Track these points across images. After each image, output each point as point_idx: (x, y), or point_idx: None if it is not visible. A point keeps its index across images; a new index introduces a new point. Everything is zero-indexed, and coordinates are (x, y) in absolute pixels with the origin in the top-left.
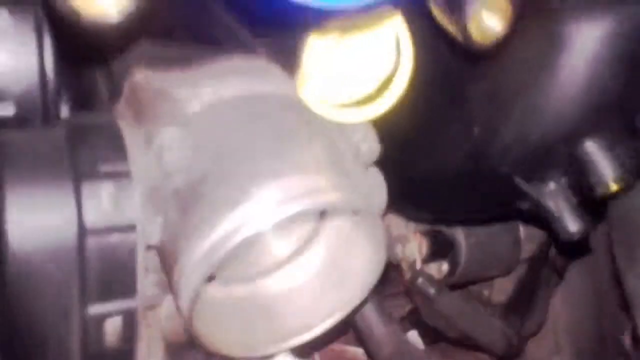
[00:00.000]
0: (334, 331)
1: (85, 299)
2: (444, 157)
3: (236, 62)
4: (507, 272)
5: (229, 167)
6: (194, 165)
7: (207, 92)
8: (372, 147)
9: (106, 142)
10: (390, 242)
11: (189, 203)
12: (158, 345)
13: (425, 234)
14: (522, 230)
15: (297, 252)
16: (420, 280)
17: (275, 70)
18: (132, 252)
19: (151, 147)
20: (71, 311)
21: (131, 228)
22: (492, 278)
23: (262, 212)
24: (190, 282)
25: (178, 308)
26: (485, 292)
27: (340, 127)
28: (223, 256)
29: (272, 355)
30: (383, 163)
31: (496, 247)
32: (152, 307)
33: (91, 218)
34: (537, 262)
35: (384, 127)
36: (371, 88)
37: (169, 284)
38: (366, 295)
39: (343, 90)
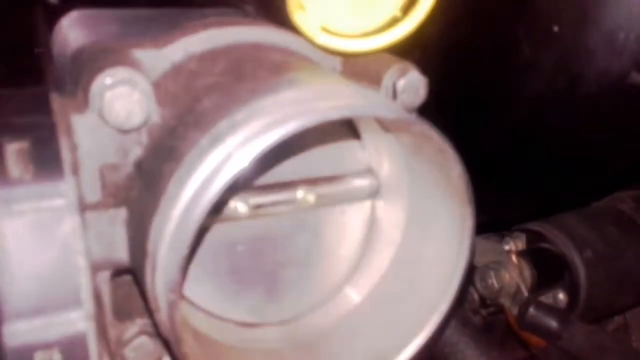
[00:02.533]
0: None
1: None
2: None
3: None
4: None
5: (200, 109)
6: (161, 117)
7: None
8: (412, 83)
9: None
10: (481, 273)
11: (154, 171)
12: None
13: (526, 254)
14: None
15: (350, 271)
16: (531, 310)
17: (256, 21)
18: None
19: (100, 106)
20: None
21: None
22: (626, 308)
23: (249, 138)
24: (168, 266)
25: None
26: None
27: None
28: (202, 214)
29: None
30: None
31: (621, 260)
32: None
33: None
34: None
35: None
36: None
37: (147, 306)
38: (457, 285)
39: (351, 12)
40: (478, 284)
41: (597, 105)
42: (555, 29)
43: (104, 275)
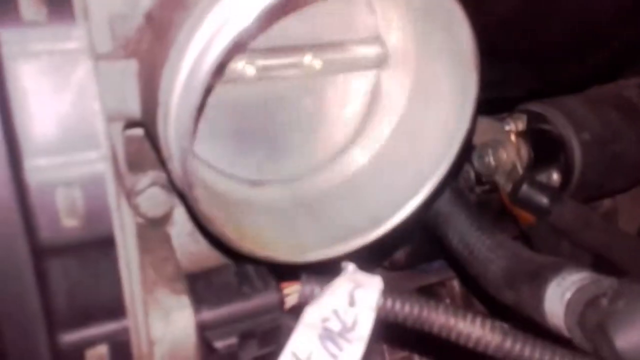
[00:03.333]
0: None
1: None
2: None
3: None
4: (637, 181)
5: None
6: None
7: None
8: None
9: None
10: (479, 151)
11: (164, 21)
12: (170, 268)
13: (525, 134)
14: None
15: (352, 136)
16: (524, 187)
17: None
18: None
19: None
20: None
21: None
22: (616, 191)
23: None
24: (180, 114)
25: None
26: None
27: None
28: (216, 58)
29: (328, 260)
30: None
31: (618, 144)
32: (160, 221)
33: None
34: None
35: None
36: None
37: (160, 156)
38: (456, 153)
39: None
40: (475, 162)
41: None
42: None
43: (117, 127)
